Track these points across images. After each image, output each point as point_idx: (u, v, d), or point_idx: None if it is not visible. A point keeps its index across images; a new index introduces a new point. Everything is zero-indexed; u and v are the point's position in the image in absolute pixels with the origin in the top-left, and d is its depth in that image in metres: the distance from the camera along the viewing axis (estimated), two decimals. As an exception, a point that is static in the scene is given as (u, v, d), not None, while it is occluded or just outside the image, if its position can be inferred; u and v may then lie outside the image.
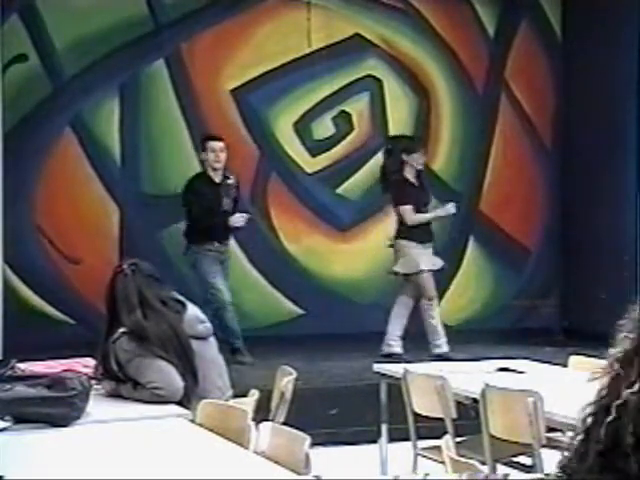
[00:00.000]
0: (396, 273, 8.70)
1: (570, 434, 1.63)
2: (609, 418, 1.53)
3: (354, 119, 10.28)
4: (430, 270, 8.62)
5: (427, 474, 5.03)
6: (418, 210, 8.65)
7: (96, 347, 4.72)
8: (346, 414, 7.19)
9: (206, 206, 8.25)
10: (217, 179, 8.40)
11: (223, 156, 8.39)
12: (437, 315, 8.63)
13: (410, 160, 8.68)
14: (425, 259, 8.62)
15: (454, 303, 10.51)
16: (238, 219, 8.30)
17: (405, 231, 8.63)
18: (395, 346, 8.59)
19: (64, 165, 9.44)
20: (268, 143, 10.05)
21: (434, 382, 5.05)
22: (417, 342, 9.24)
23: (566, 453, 1.61)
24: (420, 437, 5.27)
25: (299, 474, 3.35)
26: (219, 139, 8.53)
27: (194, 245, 8.38)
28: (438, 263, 8.76)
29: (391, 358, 8.01)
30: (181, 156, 9.79)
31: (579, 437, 1.58)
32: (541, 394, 4.45)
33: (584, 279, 10.09)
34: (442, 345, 8.56)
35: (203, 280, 8.34)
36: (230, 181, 8.49)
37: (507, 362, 5.98)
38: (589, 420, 1.59)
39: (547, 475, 3.95)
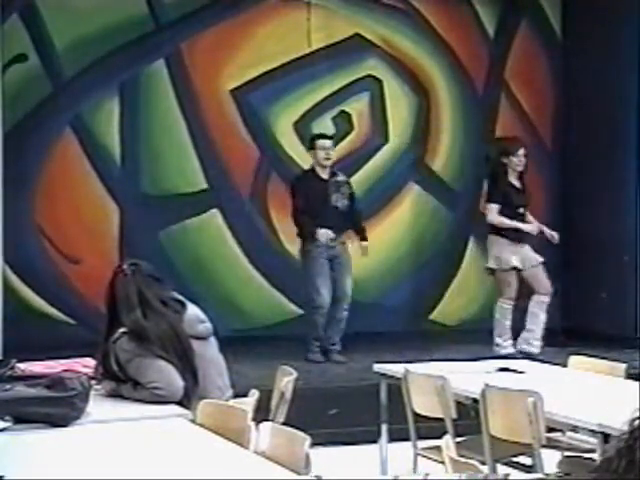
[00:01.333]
0: (489, 269, 8.64)
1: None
2: None
3: (354, 119, 10.28)
4: (515, 269, 8.56)
5: (427, 474, 5.04)
6: (512, 212, 8.53)
7: (96, 347, 4.72)
8: (346, 414, 7.19)
9: (313, 201, 8.39)
10: (325, 175, 8.55)
11: (332, 153, 8.62)
12: (510, 317, 8.60)
13: (510, 163, 8.59)
14: (515, 259, 8.55)
15: (454, 303, 10.53)
16: (323, 235, 8.40)
17: (499, 227, 8.53)
18: (536, 347, 8.57)
19: (64, 165, 9.44)
20: (268, 143, 10.05)
21: (434, 382, 5.05)
22: (418, 342, 9.26)
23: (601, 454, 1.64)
24: (420, 437, 5.27)
25: (299, 474, 3.35)
26: (328, 137, 8.79)
27: (305, 241, 8.50)
28: (533, 261, 8.64)
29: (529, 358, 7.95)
30: (181, 156, 9.80)
31: (624, 437, 1.59)
32: (541, 394, 4.45)
33: (584, 279, 10.09)
34: (507, 346, 8.56)
35: (307, 277, 8.51)
36: (340, 178, 8.64)
37: (507, 362, 5.99)
38: (637, 423, 1.60)
39: (547, 475, 3.96)
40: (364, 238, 8.77)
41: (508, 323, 8.64)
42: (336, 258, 8.56)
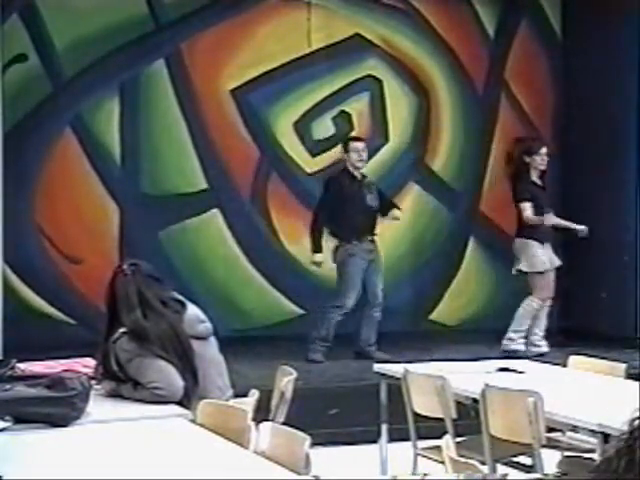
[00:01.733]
0: (520, 271, 8.68)
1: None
2: None
3: (354, 119, 10.28)
4: (551, 269, 8.64)
5: (426, 474, 5.04)
6: (538, 211, 8.60)
7: (96, 347, 4.72)
8: (346, 414, 7.19)
9: (350, 202, 8.50)
10: (359, 177, 8.69)
11: (365, 155, 8.74)
12: (532, 316, 8.65)
13: (532, 162, 8.65)
14: (547, 258, 8.63)
15: (454, 303, 10.53)
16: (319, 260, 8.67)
17: (528, 230, 8.58)
18: (543, 346, 8.66)
19: (64, 165, 9.44)
20: (268, 143, 10.05)
21: (434, 382, 5.05)
22: (418, 342, 9.26)
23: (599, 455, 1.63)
24: (420, 437, 5.27)
25: (299, 474, 3.35)
26: (361, 139, 8.92)
27: (345, 243, 8.52)
28: (556, 262, 8.74)
29: (541, 358, 7.97)
30: (181, 156, 9.80)
31: (623, 437, 1.59)
32: (541, 394, 4.45)
33: (584, 279, 10.08)
34: (520, 343, 8.61)
35: (342, 277, 8.54)
36: (368, 179, 8.80)
37: (507, 362, 5.98)
38: (637, 423, 1.60)
39: (546, 475, 3.95)
40: (396, 207, 8.93)
41: (529, 322, 8.67)
42: (373, 262, 8.65)
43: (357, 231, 8.53)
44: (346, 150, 8.71)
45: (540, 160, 8.66)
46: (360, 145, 8.72)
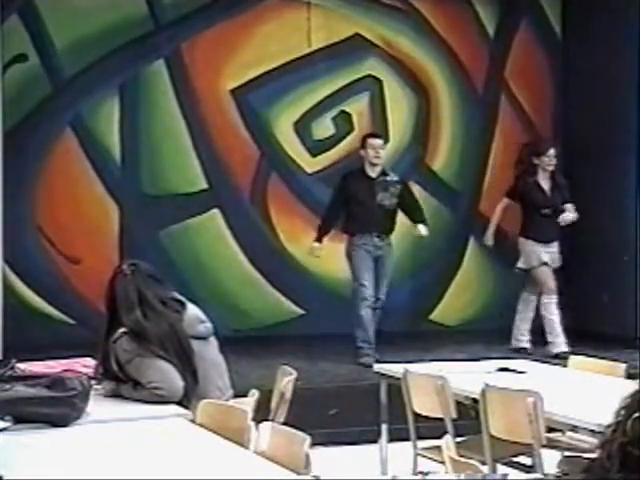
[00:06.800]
0: (519, 269, 8.89)
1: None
2: (637, 414, 1.56)
3: (354, 119, 10.28)
4: (547, 265, 8.74)
5: (420, 473, 5.04)
6: (535, 212, 8.78)
7: (96, 347, 4.72)
8: (346, 414, 7.19)
9: (359, 199, 8.50)
10: (373, 174, 8.63)
11: (382, 153, 8.73)
12: (557, 312, 8.73)
13: (541, 163, 8.77)
14: (544, 255, 8.75)
15: (454, 303, 10.53)
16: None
17: (526, 229, 8.81)
18: (523, 341, 8.80)
19: (64, 165, 9.44)
20: (268, 143, 10.05)
21: (434, 382, 5.05)
22: (418, 342, 9.26)
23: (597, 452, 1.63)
24: (420, 437, 5.27)
25: (299, 474, 3.35)
26: (378, 136, 8.91)
27: (351, 237, 8.58)
28: (557, 261, 8.87)
29: (519, 353, 8.16)
30: (181, 156, 9.80)
31: (610, 428, 1.60)
32: (541, 394, 4.45)
33: (585, 280, 10.08)
34: (561, 344, 8.59)
35: (353, 272, 8.58)
36: (389, 177, 8.72)
37: (507, 362, 5.99)
38: (622, 412, 1.61)
39: (546, 475, 3.95)
40: (422, 220, 8.87)
41: (554, 317, 8.75)
42: (380, 259, 8.64)
43: (365, 228, 8.51)
44: (363, 147, 8.68)
45: (548, 161, 8.77)
46: (377, 142, 8.69)
